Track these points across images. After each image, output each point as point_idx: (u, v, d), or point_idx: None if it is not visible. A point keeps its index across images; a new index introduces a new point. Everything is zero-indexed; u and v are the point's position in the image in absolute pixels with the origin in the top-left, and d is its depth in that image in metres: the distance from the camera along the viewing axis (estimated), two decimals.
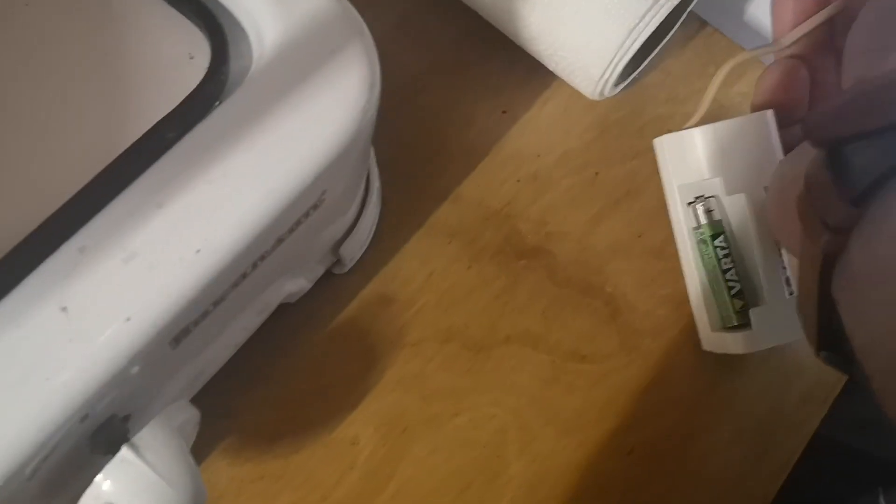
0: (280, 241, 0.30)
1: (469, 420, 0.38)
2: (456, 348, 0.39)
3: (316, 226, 0.33)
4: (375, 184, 0.40)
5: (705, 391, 0.40)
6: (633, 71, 0.46)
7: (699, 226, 0.38)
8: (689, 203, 0.38)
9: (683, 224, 0.38)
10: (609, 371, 0.40)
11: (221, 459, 0.36)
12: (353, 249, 0.39)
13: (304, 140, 0.29)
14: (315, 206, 0.31)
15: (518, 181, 0.44)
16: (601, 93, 0.43)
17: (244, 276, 0.30)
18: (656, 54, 0.46)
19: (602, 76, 0.41)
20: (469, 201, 0.43)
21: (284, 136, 0.29)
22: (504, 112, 0.45)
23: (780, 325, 0.36)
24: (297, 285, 0.37)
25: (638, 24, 0.39)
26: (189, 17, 0.32)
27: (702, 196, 0.38)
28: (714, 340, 0.38)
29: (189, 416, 0.30)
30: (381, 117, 0.43)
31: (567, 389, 0.39)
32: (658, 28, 0.43)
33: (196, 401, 0.33)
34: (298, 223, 0.31)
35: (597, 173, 0.44)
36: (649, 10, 0.39)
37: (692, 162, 0.37)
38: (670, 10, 0.39)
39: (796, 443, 0.40)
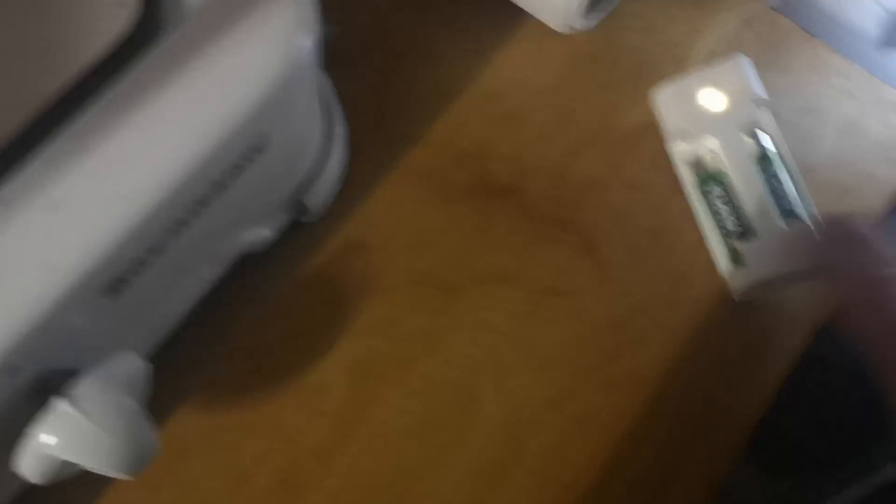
0: (220, 186, 0.30)
1: (443, 361, 0.38)
2: (428, 290, 0.39)
3: (266, 172, 0.33)
4: (340, 130, 0.40)
5: (687, 320, 0.39)
6: (607, 1, 0.44)
7: (696, 179, 0.38)
8: (686, 161, 0.39)
9: (687, 179, 0.39)
10: (586, 305, 0.39)
11: (190, 412, 0.36)
12: (320, 197, 0.38)
13: (232, 83, 0.29)
14: (257, 151, 0.31)
15: (490, 120, 0.43)
16: (570, 26, 0.42)
17: (184, 223, 0.30)
18: None
19: (566, 8, 0.40)
20: (440, 143, 0.42)
21: (212, 80, 0.29)
22: (475, 51, 0.44)
23: (776, 255, 0.35)
24: (257, 235, 0.36)
25: None
26: None
27: (695, 152, 0.38)
28: (733, 283, 0.37)
29: (136, 368, 0.30)
30: (349, 62, 0.42)
31: (543, 325, 0.39)
32: None
33: (163, 353, 0.34)
34: (240, 168, 0.31)
35: (572, 108, 0.43)
36: None
37: (674, 118, 0.39)
38: None
39: (782, 368, 0.39)
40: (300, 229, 0.39)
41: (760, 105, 0.37)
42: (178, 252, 0.31)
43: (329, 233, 0.40)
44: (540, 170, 0.42)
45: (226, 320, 0.38)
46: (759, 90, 0.37)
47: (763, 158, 0.36)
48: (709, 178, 0.37)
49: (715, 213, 0.36)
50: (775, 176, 0.36)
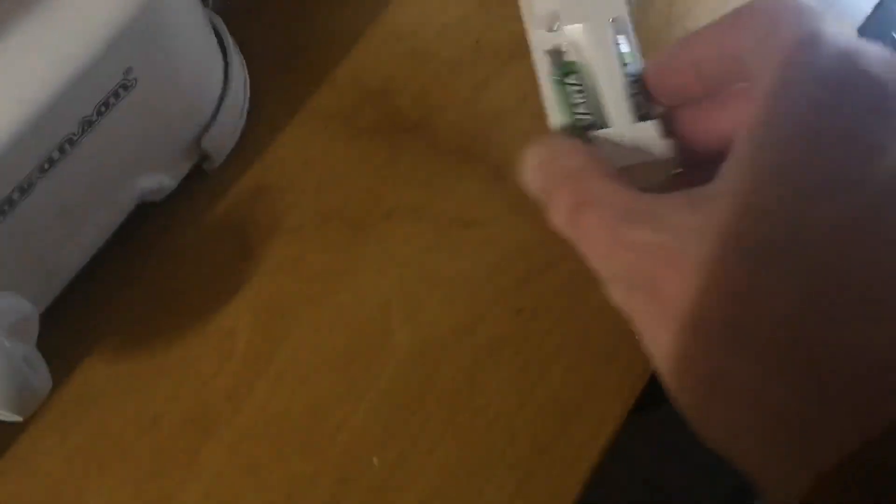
0: (88, 123, 0.30)
1: (352, 297, 0.38)
2: (336, 227, 0.39)
3: (147, 112, 0.33)
4: (238, 72, 0.39)
5: None
6: None
7: (553, 68, 0.37)
8: (546, 51, 0.37)
9: (543, 70, 0.37)
10: (496, 234, 0.39)
11: (98, 358, 0.36)
12: (219, 142, 0.38)
13: (86, 13, 0.29)
14: (124, 87, 0.31)
15: (397, 57, 0.43)
16: None
17: (52, 161, 0.30)
18: None
19: None
20: (346, 82, 0.42)
21: (66, 9, 0.29)
22: None
23: (624, 147, 0.35)
24: (157, 182, 0.36)
25: None
26: None
27: (557, 42, 0.37)
28: None
29: (19, 309, 0.30)
30: (249, 5, 0.42)
31: (453, 256, 0.39)
32: None
33: (68, 300, 0.34)
34: (107, 105, 0.31)
35: (478, 41, 0.43)
36: None
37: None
38: None
39: None
40: (203, 175, 0.39)
41: (632, 2, 0.37)
42: (58, 195, 0.31)
43: (234, 177, 0.40)
44: (449, 104, 0.42)
45: (132, 267, 0.38)
46: None
47: (627, 55, 0.36)
48: (567, 67, 0.36)
49: (570, 105, 0.36)
50: (630, 77, 0.36)
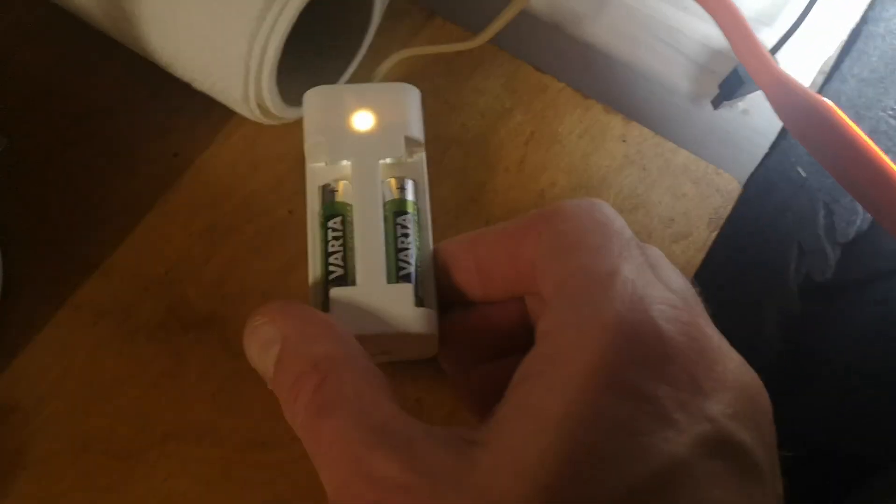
0: None
1: None
2: (96, 458, 0.32)
3: None
4: None
5: None
6: (336, 76, 0.38)
7: (322, 208, 0.31)
8: (320, 186, 0.32)
9: (311, 208, 0.32)
10: (297, 457, 0.32)
11: None
12: None
13: None
14: None
15: (190, 236, 0.36)
16: (270, 115, 0.36)
17: None
18: (362, 54, 0.39)
19: (247, 98, 0.34)
20: (125, 269, 0.35)
21: None
22: (175, 155, 0.38)
23: (368, 313, 0.29)
24: None
25: (258, 28, 0.31)
26: None
27: (330, 176, 0.32)
28: None
29: None
30: (16, 177, 0.36)
31: (241, 489, 0.32)
32: (343, 23, 0.36)
33: None
34: None
35: (291, 211, 0.37)
36: (268, 9, 0.31)
37: (315, 128, 0.32)
38: (298, 8, 0.31)
39: None
40: None
41: (415, 148, 0.32)
42: None
43: None
44: (248, 291, 0.35)
45: None
46: (417, 131, 0.32)
47: (399, 205, 0.30)
48: (332, 209, 0.30)
49: (326, 253, 0.30)
50: (405, 230, 0.30)
